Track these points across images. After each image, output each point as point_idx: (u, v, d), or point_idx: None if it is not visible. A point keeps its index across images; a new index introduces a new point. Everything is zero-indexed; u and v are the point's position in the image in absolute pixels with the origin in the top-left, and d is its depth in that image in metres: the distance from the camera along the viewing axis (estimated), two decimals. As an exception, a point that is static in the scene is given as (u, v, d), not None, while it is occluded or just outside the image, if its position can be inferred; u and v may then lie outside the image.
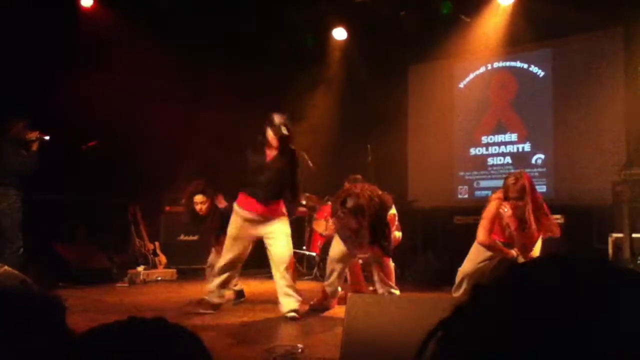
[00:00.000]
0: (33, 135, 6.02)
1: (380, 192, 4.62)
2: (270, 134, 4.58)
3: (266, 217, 4.67)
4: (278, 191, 4.67)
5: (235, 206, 4.75)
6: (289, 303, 4.59)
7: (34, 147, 6.02)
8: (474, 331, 0.42)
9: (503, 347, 0.40)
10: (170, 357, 0.61)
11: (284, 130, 4.55)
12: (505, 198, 4.30)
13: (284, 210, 4.75)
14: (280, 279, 4.66)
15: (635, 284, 0.44)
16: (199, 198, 5.48)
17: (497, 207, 4.34)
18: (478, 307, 0.44)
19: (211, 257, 5.59)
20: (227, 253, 4.74)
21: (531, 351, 0.39)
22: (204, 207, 5.48)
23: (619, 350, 0.39)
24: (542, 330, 0.39)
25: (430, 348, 0.48)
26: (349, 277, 5.31)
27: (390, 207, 4.79)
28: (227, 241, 4.75)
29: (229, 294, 5.20)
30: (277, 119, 4.59)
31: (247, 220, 4.68)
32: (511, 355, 0.39)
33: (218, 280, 4.79)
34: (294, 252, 8.09)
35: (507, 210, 4.29)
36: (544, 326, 0.39)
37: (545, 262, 0.45)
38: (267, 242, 4.72)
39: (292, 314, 4.54)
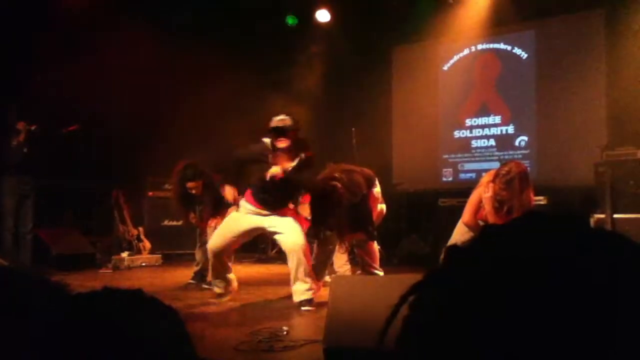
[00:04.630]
0: (20, 125, 6.24)
1: (359, 177, 4.59)
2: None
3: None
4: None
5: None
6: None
7: (21, 137, 6.23)
8: (448, 291, 0.40)
9: (478, 305, 0.38)
10: (141, 325, 0.61)
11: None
12: (493, 181, 4.31)
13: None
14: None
15: (613, 245, 0.42)
16: (192, 184, 5.45)
17: (483, 193, 4.34)
18: (452, 266, 0.42)
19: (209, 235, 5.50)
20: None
21: (507, 309, 0.37)
22: (198, 188, 5.46)
23: (588, 313, 0.38)
24: (517, 290, 0.38)
25: (402, 314, 0.47)
26: (334, 261, 5.31)
27: (373, 185, 4.78)
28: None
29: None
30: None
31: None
32: (486, 311, 0.38)
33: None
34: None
35: (488, 192, 4.29)
36: (520, 286, 0.38)
37: (522, 220, 0.44)
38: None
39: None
